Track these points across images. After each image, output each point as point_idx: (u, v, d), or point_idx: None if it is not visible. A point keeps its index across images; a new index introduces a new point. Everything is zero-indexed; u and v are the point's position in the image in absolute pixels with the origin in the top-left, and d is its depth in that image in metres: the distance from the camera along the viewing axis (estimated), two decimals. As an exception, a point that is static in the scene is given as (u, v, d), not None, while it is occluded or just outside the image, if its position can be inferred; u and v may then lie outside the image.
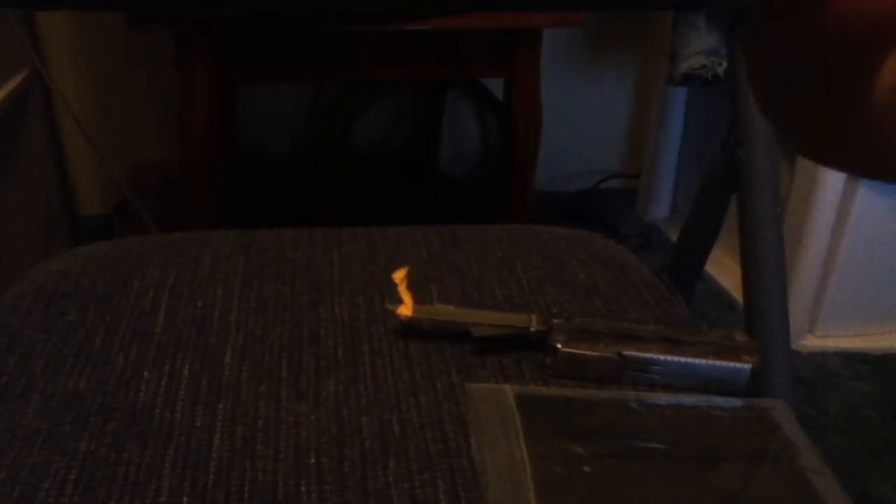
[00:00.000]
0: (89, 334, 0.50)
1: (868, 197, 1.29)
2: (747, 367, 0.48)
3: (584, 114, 1.89)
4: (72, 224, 1.71)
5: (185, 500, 0.39)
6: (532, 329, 0.50)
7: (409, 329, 0.51)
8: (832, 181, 1.29)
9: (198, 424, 0.43)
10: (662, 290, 0.59)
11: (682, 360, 0.47)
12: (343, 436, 0.43)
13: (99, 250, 0.61)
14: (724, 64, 1.37)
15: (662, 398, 0.47)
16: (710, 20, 1.38)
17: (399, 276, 0.52)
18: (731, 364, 0.48)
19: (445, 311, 0.51)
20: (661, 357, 0.48)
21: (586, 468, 0.41)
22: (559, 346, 0.48)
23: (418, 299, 0.51)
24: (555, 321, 0.49)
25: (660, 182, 1.85)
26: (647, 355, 0.48)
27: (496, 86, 1.66)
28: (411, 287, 0.51)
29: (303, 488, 0.40)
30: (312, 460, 0.41)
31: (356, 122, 1.77)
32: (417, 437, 0.43)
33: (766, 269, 0.65)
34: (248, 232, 0.63)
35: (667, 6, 1.45)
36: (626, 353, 0.48)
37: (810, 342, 1.41)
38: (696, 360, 0.48)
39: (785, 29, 0.14)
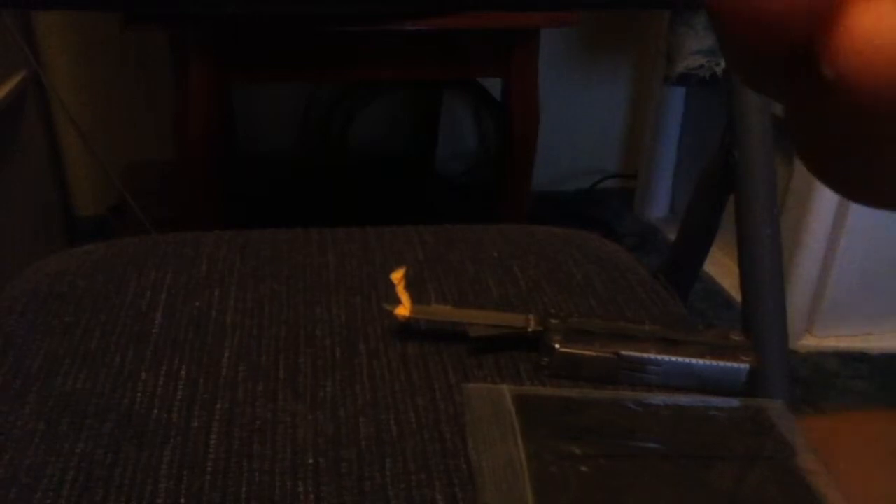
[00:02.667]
0: (85, 335, 0.50)
1: (865, 196, 1.28)
2: (745, 367, 0.48)
3: (581, 114, 1.89)
4: (68, 224, 1.70)
5: (181, 500, 0.39)
6: (529, 329, 0.49)
7: (406, 329, 0.51)
8: (829, 181, 1.28)
9: (195, 425, 0.43)
10: (659, 289, 0.59)
11: (679, 360, 0.47)
12: (340, 436, 0.43)
13: (95, 251, 0.61)
14: (722, 63, 1.37)
15: (659, 398, 0.47)
16: (707, 20, 1.38)
17: (397, 276, 0.52)
18: (729, 364, 0.48)
19: (442, 312, 0.51)
20: (658, 357, 0.48)
21: (583, 468, 0.41)
22: (556, 346, 0.48)
23: (415, 299, 0.51)
24: (551, 321, 0.49)
25: (657, 182, 1.85)
26: (644, 355, 0.48)
27: (494, 86, 1.66)
28: (408, 287, 0.51)
29: (300, 489, 0.40)
30: (310, 461, 0.41)
31: (353, 121, 1.77)
32: (414, 438, 0.43)
33: (764, 268, 0.65)
34: (244, 232, 0.63)
35: (664, 6, 1.45)
36: (623, 353, 0.48)
37: (808, 342, 1.41)
38: (693, 360, 0.48)
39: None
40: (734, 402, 0.47)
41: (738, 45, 0.14)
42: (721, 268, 1.55)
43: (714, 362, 0.48)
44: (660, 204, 1.87)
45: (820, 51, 0.13)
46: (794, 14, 0.13)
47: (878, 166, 0.14)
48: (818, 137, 0.14)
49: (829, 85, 0.13)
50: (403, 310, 0.50)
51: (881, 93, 0.12)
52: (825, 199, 1.30)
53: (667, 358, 0.47)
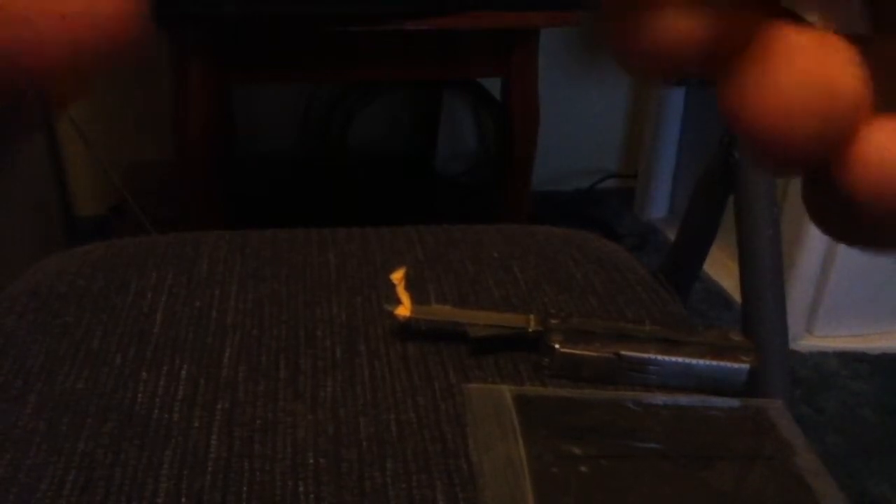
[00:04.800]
0: (86, 335, 0.50)
1: (865, 196, 1.28)
2: (745, 367, 0.48)
3: (581, 113, 1.89)
4: (68, 225, 1.70)
5: (182, 500, 0.39)
6: (529, 329, 0.49)
7: (406, 329, 0.51)
8: (829, 181, 1.28)
9: (195, 425, 0.43)
10: (659, 290, 0.59)
11: (679, 360, 0.48)
12: (340, 436, 0.43)
13: (95, 251, 0.61)
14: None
15: (659, 398, 0.47)
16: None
17: (397, 276, 0.52)
18: (729, 364, 0.48)
19: (443, 312, 0.51)
20: (658, 357, 0.48)
21: (583, 468, 0.41)
22: (556, 346, 0.48)
23: (415, 299, 0.51)
24: (552, 321, 0.49)
25: (657, 182, 1.85)
26: (645, 355, 0.48)
27: (493, 85, 1.66)
28: (409, 287, 0.51)
29: (300, 489, 0.40)
30: (310, 461, 0.41)
31: (353, 121, 1.77)
32: (415, 438, 0.43)
33: (764, 268, 0.65)
34: (244, 232, 0.63)
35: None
36: (624, 353, 0.48)
37: (808, 342, 1.41)
38: (694, 361, 0.48)
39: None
40: (734, 402, 0.47)
41: (756, 154, 0.14)
42: (721, 268, 1.55)
43: (714, 362, 0.48)
44: (660, 204, 1.87)
45: (835, 168, 0.14)
46: (811, 137, 0.13)
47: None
48: (833, 213, 0.15)
49: (845, 196, 0.14)
50: (404, 310, 0.50)
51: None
52: (825, 199, 1.30)
53: (667, 358, 0.48)
